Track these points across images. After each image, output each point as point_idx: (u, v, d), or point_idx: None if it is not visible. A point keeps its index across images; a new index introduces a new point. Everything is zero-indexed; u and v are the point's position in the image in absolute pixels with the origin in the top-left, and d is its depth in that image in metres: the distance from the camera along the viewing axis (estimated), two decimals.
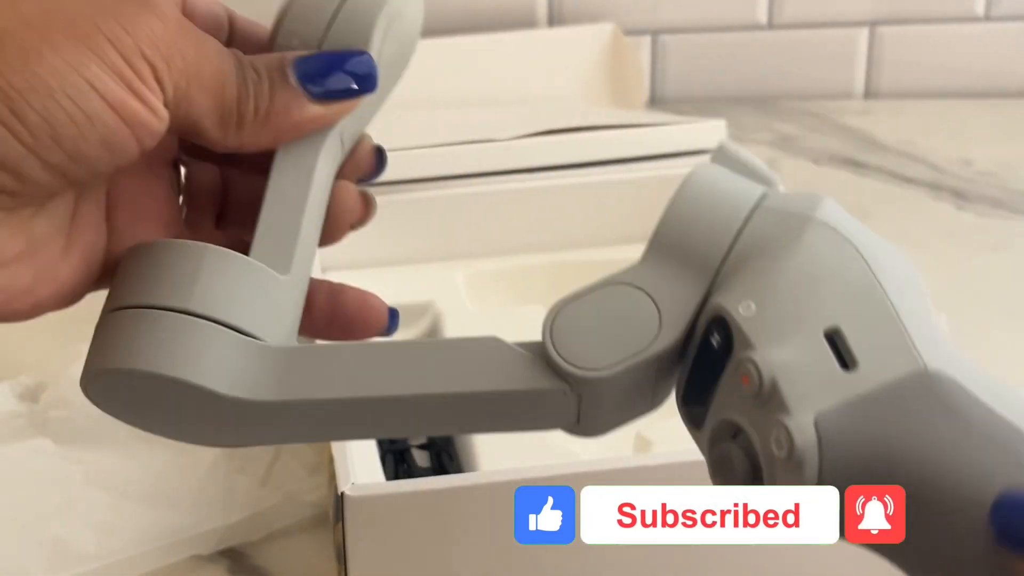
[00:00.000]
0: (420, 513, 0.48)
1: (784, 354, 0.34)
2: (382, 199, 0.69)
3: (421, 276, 0.69)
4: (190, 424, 0.37)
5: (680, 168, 0.74)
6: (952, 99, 1.05)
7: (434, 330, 0.65)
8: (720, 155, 0.39)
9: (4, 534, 0.54)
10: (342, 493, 0.47)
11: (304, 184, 0.38)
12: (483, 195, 0.71)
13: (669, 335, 0.36)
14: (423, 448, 0.60)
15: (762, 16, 1.02)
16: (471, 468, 0.56)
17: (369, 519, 0.48)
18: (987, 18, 1.03)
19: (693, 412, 0.37)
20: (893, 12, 1.03)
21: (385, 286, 0.69)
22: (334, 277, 0.69)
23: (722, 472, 0.35)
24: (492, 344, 0.37)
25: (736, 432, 0.35)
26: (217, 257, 0.36)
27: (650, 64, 1.03)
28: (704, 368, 0.36)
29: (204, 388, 0.34)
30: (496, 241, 0.72)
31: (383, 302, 0.41)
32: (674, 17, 1.02)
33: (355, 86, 0.38)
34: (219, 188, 0.41)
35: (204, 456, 0.59)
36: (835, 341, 0.34)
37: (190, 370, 0.34)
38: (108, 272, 0.37)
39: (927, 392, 0.33)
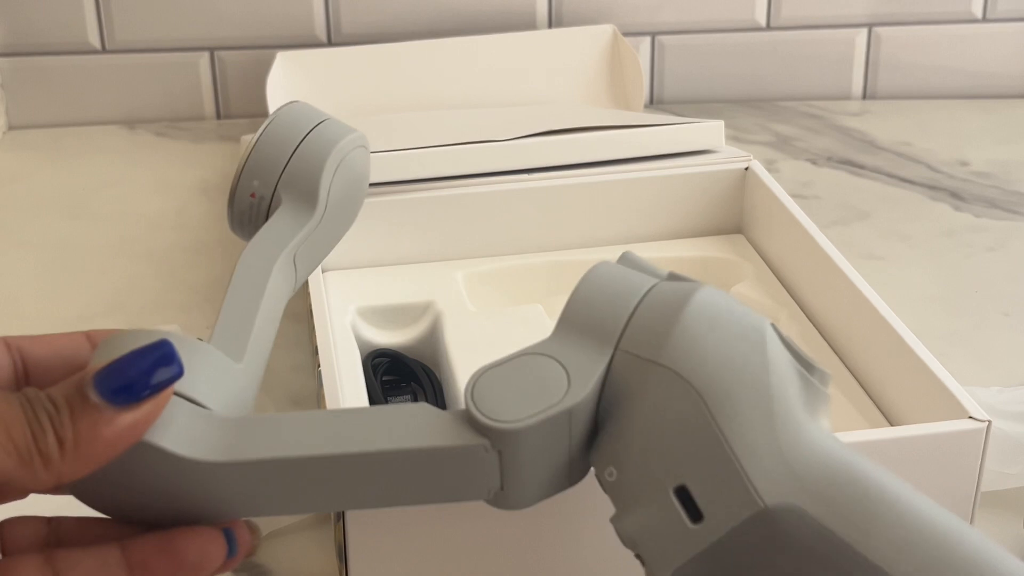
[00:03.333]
0: (420, 512, 0.48)
1: (641, 519, 0.38)
2: (382, 199, 0.70)
3: (421, 276, 0.70)
4: (157, 499, 0.40)
5: (680, 168, 0.74)
6: (950, 100, 1.05)
7: (434, 330, 0.66)
8: (624, 259, 0.44)
9: None
10: None
11: (259, 291, 0.45)
12: (483, 195, 0.71)
13: (578, 393, 0.40)
14: None
15: (761, 17, 1.02)
16: None
17: (370, 518, 0.48)
18: (985, 19, 1.03)
19: None
20: (891, 13, 1.03)
21: (385, 286, 0.69)
22: (335, 278, 0.69)
23: None
24: (419, 408, 0.41)
25: None
26: (180, 342, 0.39)
27: (650, 65, 1.03)
28: None
29: (164, 450, 0.38)
30: (496, 241, 0.72)
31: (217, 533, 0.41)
32: (674, 18, 1.02)
33: (163, 378, 0.37)
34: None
35: None
36: (683, 497, 0.37)
37: (156, 434, 0.38)
38: None
39: (766, 529, 0.36)
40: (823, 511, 0.36)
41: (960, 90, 1.05)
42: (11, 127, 1.01)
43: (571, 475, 0.42)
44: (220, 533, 0.40)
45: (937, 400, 0.53)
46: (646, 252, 0.73)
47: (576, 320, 0.42)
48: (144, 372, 0.37)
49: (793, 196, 0.71)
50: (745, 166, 0.74)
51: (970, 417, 0.51)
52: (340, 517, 0.48)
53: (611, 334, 0.41)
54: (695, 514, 0.37)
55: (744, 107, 1.04)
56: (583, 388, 0.40)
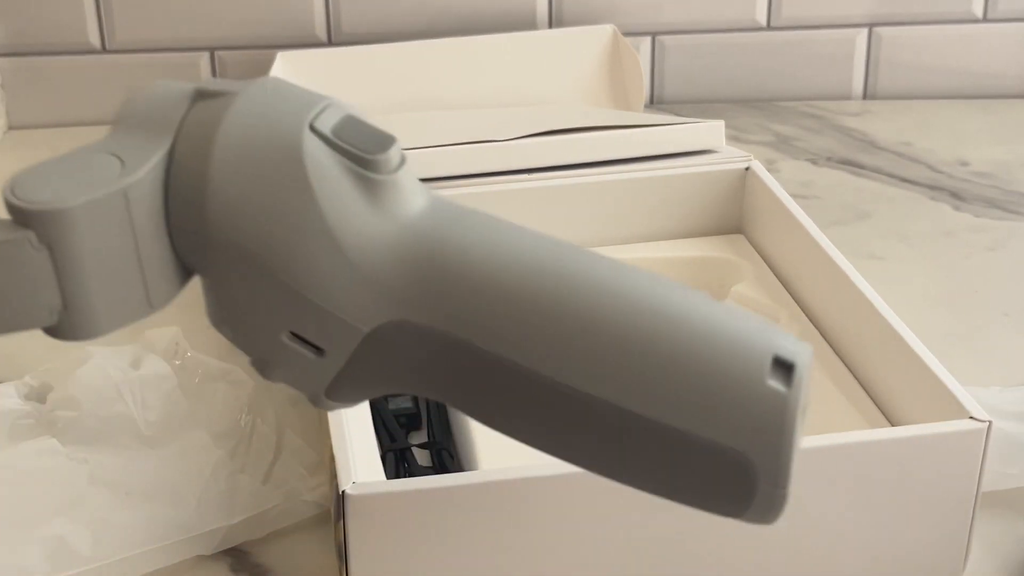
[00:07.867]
0: (420, 512, 0.48)
1: (280, 368, 0.39)
2: None
3: None
4: None
5: (680, 168, 0.74)
6: (950, 100, 1.05)
7: None
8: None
9: (7, 533, 0.55)
10: (343, 492, 0.47)
11: None
12: (483, 195, 0.71)
13: (132, 173, 0.37)
14: (424, 447, 0.60)
15: (761, 17, 1.02)
16: (471, 467, 0.56)
17: (370, 518, 0.48)
18: (985, 19, 1.03)
19: None
20: (891, 13, 1.03)
21: None
22: None
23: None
24: None
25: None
26: None
27: (650, 65, 1.03)
28: None
29: None
30: None
31: None
32: (674, 18, 1.02)
33: None
34: None
35: (207, 457, 0.59)
36: (300, 338, 0.38)
37: None
38: None
39: (383, 345, 0.38)
40: (430, 315, 0.37)
41: (960, 90, 1.05)
42: (11, 127, 1.01)
43: (150, 295, 0.38)
44: None
45: (937, 400, 0.53)
46: (646, 252, 0.73)
47: (132, 118, 0.39)
48: None
49: (793, 196, 0.71)
50: (745, 166, 0.74)
51: (971, 417, 0.51)
52: (341, 516, 0.48)
53: (168, 126, 0.38)
54: (317, 348, 0.38)
55: (744, 107, 1.04)
56: (138, 169, 0.37)
